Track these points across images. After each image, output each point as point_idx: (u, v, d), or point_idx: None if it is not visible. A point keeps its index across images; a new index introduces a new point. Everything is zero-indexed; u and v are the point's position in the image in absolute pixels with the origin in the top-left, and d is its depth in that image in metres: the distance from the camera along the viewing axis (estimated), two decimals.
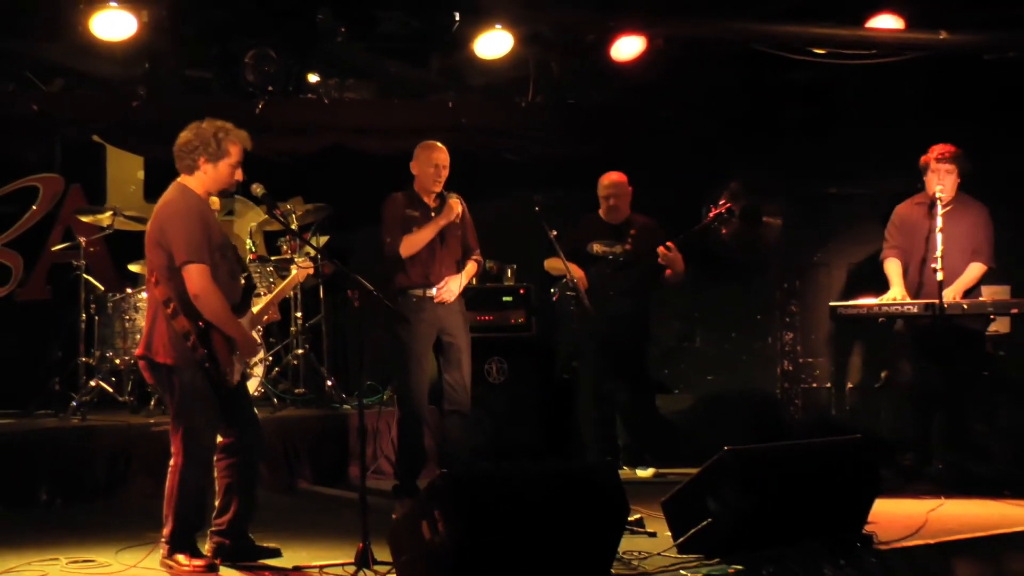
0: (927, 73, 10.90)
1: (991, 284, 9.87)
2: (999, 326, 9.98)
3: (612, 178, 10.50)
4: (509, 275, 11.74)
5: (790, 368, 11.99)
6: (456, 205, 9.25)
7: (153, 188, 11.67)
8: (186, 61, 11.00)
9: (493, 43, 10.68)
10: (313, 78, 11.46)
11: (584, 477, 6.80)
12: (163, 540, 7.12)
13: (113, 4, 9.58)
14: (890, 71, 10.77)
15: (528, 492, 6.45)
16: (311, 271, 8.46)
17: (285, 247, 11.44)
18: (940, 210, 9.46)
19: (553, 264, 10.34)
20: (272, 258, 11.40)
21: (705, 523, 6.97)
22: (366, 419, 7.39)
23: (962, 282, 9.64)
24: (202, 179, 7.16)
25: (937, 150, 9.74)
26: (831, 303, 10.16)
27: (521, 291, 11.49)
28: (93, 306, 10.94)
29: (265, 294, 10.02)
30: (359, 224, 11.30)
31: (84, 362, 10.85)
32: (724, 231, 10.54)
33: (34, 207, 12.02)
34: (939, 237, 9.30)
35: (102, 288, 11.04)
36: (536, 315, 11.43)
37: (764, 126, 11.82)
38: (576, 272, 9.95)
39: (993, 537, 7.91)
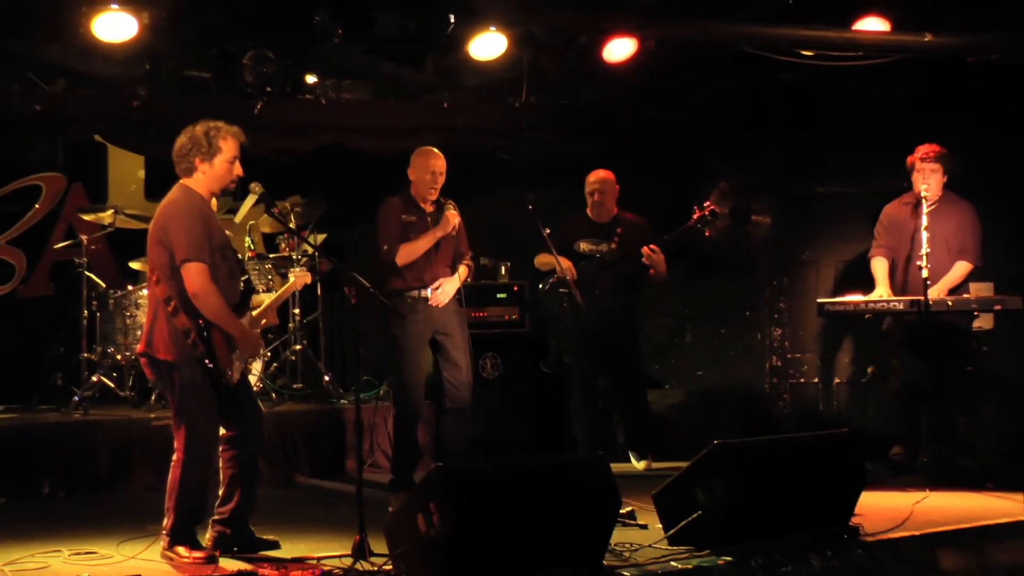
0: (912, 74, 10.94)
1: (975, 281, 9.94)
2: (983, 322, 10.04)
3: (599, 175, 10.52)
4: (503, 272, 11.74)
5: (779, 364, 12.03)
6: (453, 217, 9.22)
7: (153, 187, 11.82)
8: (186, 62, 10.92)
9: (487, 45, 10.64)
10: (311, 79, 11.39)
11: (576, 470, 6.82)
12: (164, 532, 7.18)
13: (114, 6, 9.51)
14: (876, 72, 10.81)
15: (521, 485, 6.48)
16: (308, 280, 8.52)
17: (283, 245, 11.52)
18: (925, 209, 9.55)
19: (544, 260, 10.40)
20: (271, 256, 11.49)
21: (695, 516, 7.00)
22: (363, 414, 7.41)
23: (947, 280, 9.74)
24: (201, 179, 7.23)
25: (922, 150, 9.83)
26: (819, 300, 10.23)
27: (515, 288, 11.53)
28: (95, 303, 11.03)
29: (263, 291, 10.14)
30: (356, 222, 11.35)
31: (86, 358, 10.94)
32: (708, 233, 10.58)
33: (37, 205, 12.10)
34: (924, 235, 9.38)
35: (103, 285, 11.13)
36: (529, 312, 11.46)
37: (753, 126, 11.87)
38: (566, 264, 10.01)
39: (977, 529, 7.96)
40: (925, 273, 9.28)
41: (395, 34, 10.66)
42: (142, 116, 11.00)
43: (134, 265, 11.19)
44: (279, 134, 11.44)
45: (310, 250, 11.14)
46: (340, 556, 7.05)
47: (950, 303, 9.53)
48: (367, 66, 11.49)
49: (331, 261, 8.25)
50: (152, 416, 10.08)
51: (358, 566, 6.79)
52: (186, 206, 7.17)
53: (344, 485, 10.10)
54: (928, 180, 9.74)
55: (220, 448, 7.37)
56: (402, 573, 6.43)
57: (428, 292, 9.21)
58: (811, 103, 11.72)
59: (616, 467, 6.94)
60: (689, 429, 11.17)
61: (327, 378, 11.50)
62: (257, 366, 10.77)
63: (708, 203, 10.21)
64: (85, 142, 11.80)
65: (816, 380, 11.99)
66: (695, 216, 10.20)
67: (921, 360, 9.87)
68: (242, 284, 7.42)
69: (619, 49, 10.72)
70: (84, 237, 11.15)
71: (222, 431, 7.36)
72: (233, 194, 8.01)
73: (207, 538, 7.35)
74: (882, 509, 8.20)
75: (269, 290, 10.69)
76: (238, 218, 11.26)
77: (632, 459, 10.51)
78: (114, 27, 9.74)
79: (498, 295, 11.50)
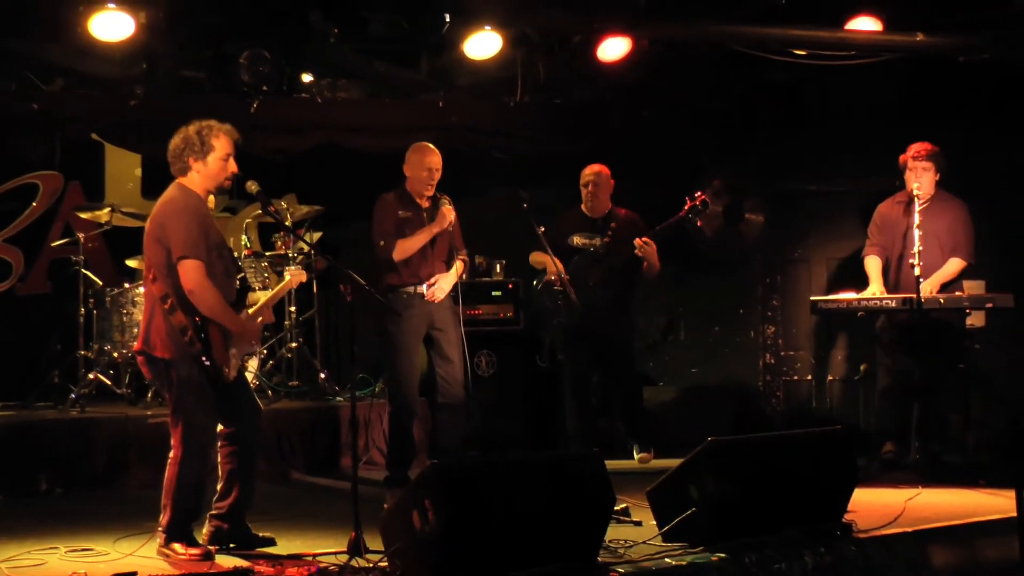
0: (904, 74, 10.98)
1: (967, 279, 9.92)
2: (975, 320, 10.06)
3: (594, 168, 10.52)
4: (498, 270, 11.81)
5: (772, 361, 12.08)
6: (449, 213, 9.18)
7: (150, 185, 11.86)
8: (183, 61, 11.00)
9: (482, 44, 10.68)
10: (306, 78, 11.47)
11: (571, 467, 6.82)
12: (160, 529, 7.18)
13: (111, 5, 9.55)
14: (869, 71, 10.84)
15: (516, 482, 6.49)
16: (303, 279, 8.54)
17: (280, 243, 11.52)
18: (918, 207, 9.59)
19: (538, 258, 10.45)
20: (267, 254, 11.50)
21: (689, 512, 7.00)
22: (358, 411, 7.45)
23: (940, 275, 9.77)
24: (196, 178, 7.25)
25: (914, 148, 9.84)
26: (812, 297, 10.26)
27: (510, 286, 11.59)
28: (91, 300, 11.05)
29: (260, 289, 10.16)
30: (351, 220, 11.39)
31: (83, 355, 10.97)
32: (700, 222, 10.60)
33: (34, 204, 12.10)
34: (917, 234, 9.40)
35: (100, 283, 11.13)
36: (524, 309, 11.50)
37: (746, 125, 11.94)
38: (559, 264, 10.03)
39: (968, 525, 7.96)
40: (917, 271, 9.30)
41: (390, 34, 10.68)
42: (139, 115, 11.04)
43: (131, 263, 11.19)
44: (275, 133, 11.50)
45: (306, 248, 11.18)
46: (336, 553, 7.05)
47: (942, 300, 9.54)
48: (362, 65, 11.51)
49: (327, 259, 8.28)
50: (149, 413, 10.10)
51: (354, 563, 6.79)
52: (183, 204, 7.19)
53: (339, 482, 10.10)
54: (920, 179, 9.77)
55: (218, 444, 7.38)
56: (397, 570, 6.42)
57: (424, 288, 9.18)
58: (803, 102, 11.79)
59: (610, 463, 6.95)
60: (682, 426, 11.13)
61: (323, 375, 11.53)
62: (253, 363, 10.77)
63: (699, 193, 10.20)
64: (82, 141, 11.83)
65: (809, 377, 12.04)
66: (686, 206, 10.18)
67: (913, 357, 9.90)
68: (237, 282, 7.43)
69: (613, 48, 10.77)
70: (81, 235, 11.18)
71: (220, 427, 7.37)
72: (229, 192, 8.04)
73: (204, 532, 7.36)
74: (875, 506, 8.22)
75: (266, 288, 10.69)
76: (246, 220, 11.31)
77: (634, 452, 10.52)
78: (111, 26, 9.78)
79: (493, 293, 11.55)
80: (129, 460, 9.85)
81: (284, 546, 7.50)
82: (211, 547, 7.24)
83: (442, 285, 9.22)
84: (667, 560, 6.81)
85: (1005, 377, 10.92)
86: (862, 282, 10.08)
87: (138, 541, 7.40)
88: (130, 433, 9.94)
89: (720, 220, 11.89)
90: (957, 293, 9.69)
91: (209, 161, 7.25)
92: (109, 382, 10.88)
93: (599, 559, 6.75)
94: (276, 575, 6.76)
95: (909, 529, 7.72)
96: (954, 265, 9.85)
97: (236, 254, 8.97)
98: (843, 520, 7.58)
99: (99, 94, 11.26)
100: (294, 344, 11.58)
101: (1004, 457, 9.90)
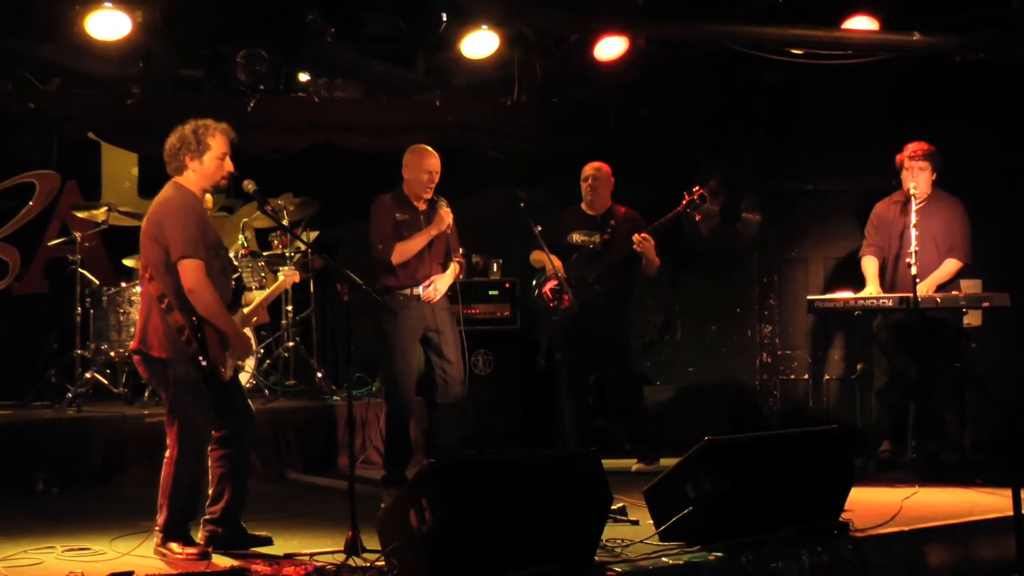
0: (901, 73, 11.00)
1: (964, 278, 9.93)
2: (972, 319, 10.06)
3: (595, 164, 10.45)
4: (495, 269, 11.83)
5: (769, 360, 12.09)
6: (447, 215, 9.16)
7: (147, 185, 11.86)
8: (179, 61, 10.98)
9: (479, 43, 10.69)
10: (303, 77, 11.45)
11: (568, 466, 6.81)
12: (157, 529, 7.17)
13: (108, 4, 9.55)
14: (866, 71, 10.86)
15: (514, 481, 6.48)
16: (297, 279, 8.52)
17: (276, 242, 11.54)
18: (914, 206, 9.59)
19: (537, 257, 10.41)
20: (264, 253, 11.51)
21: (686, 511, 6.98)
22: (355, 410, 7.42)
23: (936, 275, 9.76)
24: (193, 177, 7.24)
25: (911, 148, 9.83)
26: (809, 296, 10.26)
27: (507, 285, 11.61)
28: (88, 300, 11.04)
29: (256, 289, 10.16)
30: (348, 219, 11.39)
31: (80, 355, 10.95)
32: (698, 217, 10.59)
33: (31, 203, 12.09)
34: (913, 233, 9.40)
35: (97, 282, 11.13)
36: (521, 308, 11.51)
37: (742, 124, 11.95)
38: (556, 263, 9.99)
39: (965, 524, 7.96)
40: (914, 270, 9.31)
41: (387, 33, 10.68)
42: (136, 114, 11.03)
43: (128, 262, 11.21)
44: (272, 132, 11.49)
45: (303, 247, 11.19)
46: (332, 552, 7.05)
47: (939, 300, 9.54)
48: (359, 65, 11.50)
49: (323, 258, 8.28)
50: (145, 413, 10.09)
51: (350, 562, 6.78)
52: (180, 203, 7.18)
53: (336, 481, 10.10)
54: (917, 178, 9.76)
55: (210, 447, 7.37)
56: (394, 569, 6.41)
57: (420, 290, 9.18)
58: (800, 101, 11.80)
59: (607, 463, 6.95)
60: (679, 425, 11.17)
61: (319, 375, 11.53)
62: (250, 363, 10.80)
63: (697, 188, 10.16)
64: (79, 140, 11.83)
65: (806, 377, 12.05)
66: (684, 201, 10.14)
67: (910, 357, 9.90)
68: (232, 282, 7.45)
69: (610, 48, 10.78)
70: (78, 234, 11.17)
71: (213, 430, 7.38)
72: (226, 191, 8.03)
73: (199, 537, 7.34)
74: (871, 505, 8.22)
75: (262, 287, 10.72)
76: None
77: (635, 463, 10.45)
78: (108, 25, 9.79)
79: (490, 292, 11.57)
80: (126, 459, 9.85)
81: (281, 545, 7.48)
82: (207, 548, 7.23)
83: (438, 286, 9.22)
84: (664, 559, 6.81)
85: (1002, 376, 10.95)
86: (859, 281, 10.08)
87: (135, 540, 7.39)
88: (127, 432, 9.94)
89: (717, 219, 11.89)
90: (954, 292, 9.69)
91: (205, 160, 7.24)
92: (106, 381, 10.88)
93: (596, 558, 6.74)
94: (273, 574, 6.74)
95: (906, 528, 7.71)
96: (950, 265, 9.84)
97: (233, 253, 8.98)
98: (840, 519, 7.57)
99: (96, 93, 11.26)
100: (291, 343, 11.59)
101: (1000, 456, 9.94)
